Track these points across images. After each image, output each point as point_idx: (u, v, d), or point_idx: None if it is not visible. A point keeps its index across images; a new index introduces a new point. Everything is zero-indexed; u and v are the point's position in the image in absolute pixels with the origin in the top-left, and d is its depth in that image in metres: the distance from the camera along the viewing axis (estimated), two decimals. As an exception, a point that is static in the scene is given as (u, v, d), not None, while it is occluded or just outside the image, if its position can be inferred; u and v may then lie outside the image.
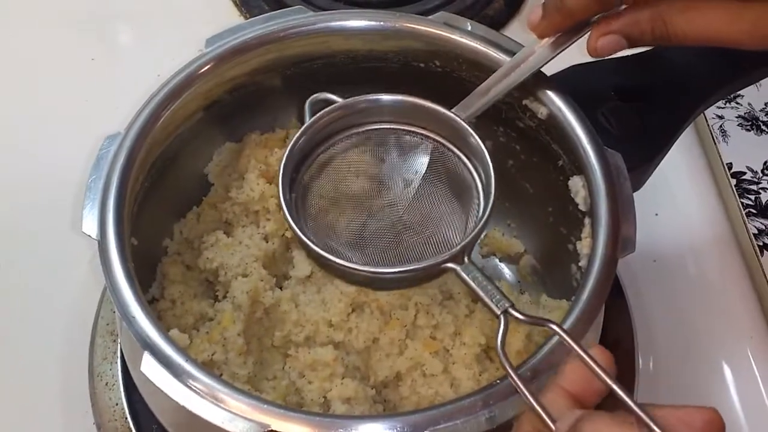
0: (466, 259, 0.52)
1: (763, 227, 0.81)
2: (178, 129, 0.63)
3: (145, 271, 0.61)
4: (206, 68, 0.62)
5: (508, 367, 0.46)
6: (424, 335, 0.63)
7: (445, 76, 0.65)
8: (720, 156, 0.85)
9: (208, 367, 0.59)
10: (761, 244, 0.79)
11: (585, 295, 0.51)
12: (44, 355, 0.71)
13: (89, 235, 0.54)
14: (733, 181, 0.83)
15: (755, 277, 0.77)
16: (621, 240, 0.54)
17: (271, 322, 0.65)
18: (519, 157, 0.68)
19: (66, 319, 0.73)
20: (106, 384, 0.68)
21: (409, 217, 0.59)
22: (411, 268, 0.53)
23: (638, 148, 0.61)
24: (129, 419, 0.66)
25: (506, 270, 0.74)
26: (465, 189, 0.58)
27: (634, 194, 0.56)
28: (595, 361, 0.42)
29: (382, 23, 0.64)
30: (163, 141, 0.62)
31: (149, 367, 0.49)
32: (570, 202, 0.60)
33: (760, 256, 0.77)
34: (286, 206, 0.55)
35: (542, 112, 0.60)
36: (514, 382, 0.45)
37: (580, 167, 0.58)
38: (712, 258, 0.78)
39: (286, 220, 0.55)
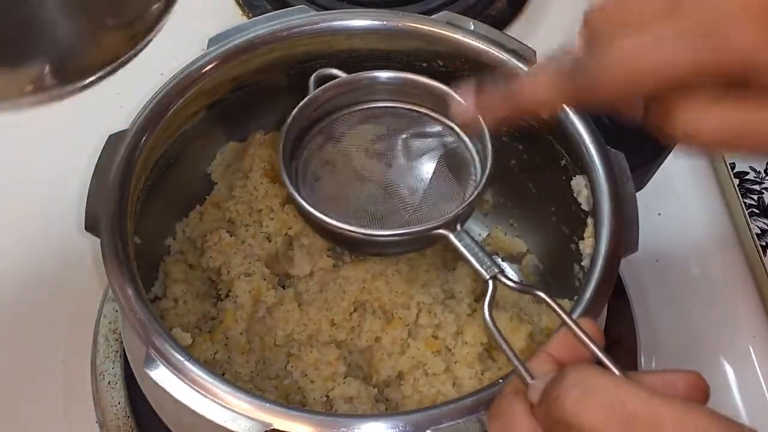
0: (458, 227, 0.53)
1: (766, 227, 0.80)
2: (181, 128, 0.63)
3: (147, 270, 0.61)
4: (209, 67, 0.62)
5: (494, 330, 0.46)
6: (426, 334, 0.63)
7: (448, 76, 0.64)
8: (723, 156, 0.84)
9: (210, 366, 0.59)
10: (764, 244, 0.79)
11: (587, 294, 0.51)
12: (47, 354, 0.71)
13: (92, 234, 0.54)
14: (736, 181, 0.83)
15: (758, 276, 0.77)
16: (624, 240, 0.54)
17: (273, 321, 0.65)
18: (521, 157, 0.68)
19: (68, 317, 0.73)
20: (109, 383, 0.68)
21: (407, 193, 0.59)
22: (405, 231, 0.55)
23: (641, 147, 0.61)
24: (131, 418, 0.66)
25: (509, 269, 0.74)
26: (463, 166, 0.58)
27: (637, 194, 0.56)
28: (582, 330, 0.43)
29: (384, 23, 0.64)
30: (166, 140, 0.62)
31: (151, 366, 0.49)
32: (573, 201, 0.60)
33: (762, 256, 0.77)
34: (286, 171, 0.55)
35: (545, 111, 0.60)
36: (498, 342, 0.45)
37: (582, 167, 0.58)
38: (715, 258, 0.78)
39: (285, 183, 0.55)
